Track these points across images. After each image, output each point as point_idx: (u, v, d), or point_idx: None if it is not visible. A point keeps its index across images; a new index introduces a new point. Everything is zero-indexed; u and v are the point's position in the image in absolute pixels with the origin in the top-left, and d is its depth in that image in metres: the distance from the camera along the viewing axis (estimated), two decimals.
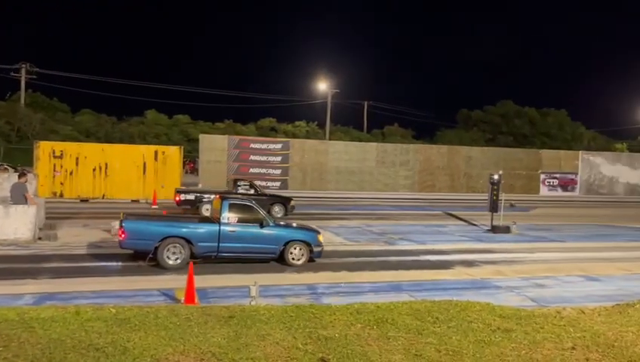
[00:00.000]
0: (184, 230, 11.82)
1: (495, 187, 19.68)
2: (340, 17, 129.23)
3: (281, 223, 13.46)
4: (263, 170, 30.58)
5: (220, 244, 11.88)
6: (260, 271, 11.71)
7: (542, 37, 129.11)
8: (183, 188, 22.52)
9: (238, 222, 12.17)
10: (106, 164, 24.49)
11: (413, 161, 33.65)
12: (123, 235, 11.59)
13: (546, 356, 6.94)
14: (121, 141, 41.39)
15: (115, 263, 12.11)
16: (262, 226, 12.24)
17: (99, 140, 42.21)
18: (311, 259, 12.57)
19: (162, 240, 11.57)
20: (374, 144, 37.44)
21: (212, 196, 20.69)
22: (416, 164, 33.63)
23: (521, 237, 18.35)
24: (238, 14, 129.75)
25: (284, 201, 21.73)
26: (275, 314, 7.98)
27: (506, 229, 19.20)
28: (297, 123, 57.04)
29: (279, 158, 30.94)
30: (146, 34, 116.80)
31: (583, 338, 7.60)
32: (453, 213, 25.06)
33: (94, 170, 24.27)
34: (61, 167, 24.09)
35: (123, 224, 11.66)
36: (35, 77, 48.30)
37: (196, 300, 8.86)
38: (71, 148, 25.01)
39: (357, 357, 6.58)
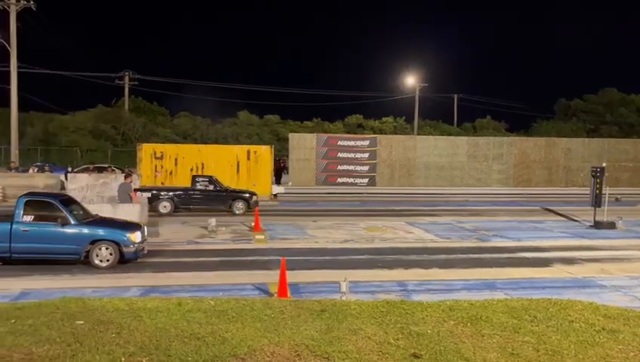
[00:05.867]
0: None
1: (598, 180, 18.58)
2: (426, 10, 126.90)
3: (90, 221, 11.96)
4: (351, 167, 30.62)
5: (12, 245, 11.02)
6: (348, 267, 11.81)
7: None
8: (142, 186, 21.41)
9: (35, 220, 11.27)
10: (203, 164, 25.68)
11: (508, 155, 32.30)
12: None
13: None
14: (215, 141, 43.24)
15: (212, 259, 12.69)
16: (63, 225, 11.27)
17: (195, 141, 44.43)
18: (125, 261, 11.52)
19: None
20: (465, 138, 36.38)
21: (170, 193, 20.82)
22: (510, 158, 32.26)
23: (628, 234, 17.16)
24: (321, 14, 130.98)
25: (246, 197, 21.23)
26: (365, 309, 8.01)
27: (611, 225, 18.04)
28: (384, 119, 56.56)
29: (367, 155, 30.85)
30: (237, 37, 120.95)
31: None
32: (552, 208, 23.85)
33: (192, 169, 25.50)
34: (162, 167, 25.56)
35: None
36: (136, 83, 51.66)
37: (289, 294, 9.11)
38: (170, 149, 26.51)
39: (450, 353, 6.46)
